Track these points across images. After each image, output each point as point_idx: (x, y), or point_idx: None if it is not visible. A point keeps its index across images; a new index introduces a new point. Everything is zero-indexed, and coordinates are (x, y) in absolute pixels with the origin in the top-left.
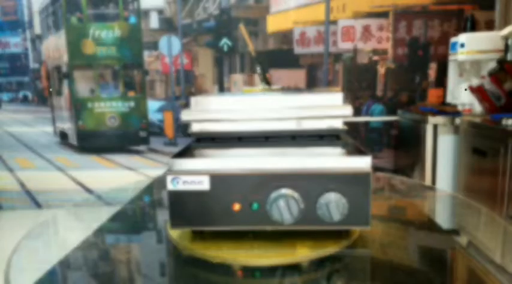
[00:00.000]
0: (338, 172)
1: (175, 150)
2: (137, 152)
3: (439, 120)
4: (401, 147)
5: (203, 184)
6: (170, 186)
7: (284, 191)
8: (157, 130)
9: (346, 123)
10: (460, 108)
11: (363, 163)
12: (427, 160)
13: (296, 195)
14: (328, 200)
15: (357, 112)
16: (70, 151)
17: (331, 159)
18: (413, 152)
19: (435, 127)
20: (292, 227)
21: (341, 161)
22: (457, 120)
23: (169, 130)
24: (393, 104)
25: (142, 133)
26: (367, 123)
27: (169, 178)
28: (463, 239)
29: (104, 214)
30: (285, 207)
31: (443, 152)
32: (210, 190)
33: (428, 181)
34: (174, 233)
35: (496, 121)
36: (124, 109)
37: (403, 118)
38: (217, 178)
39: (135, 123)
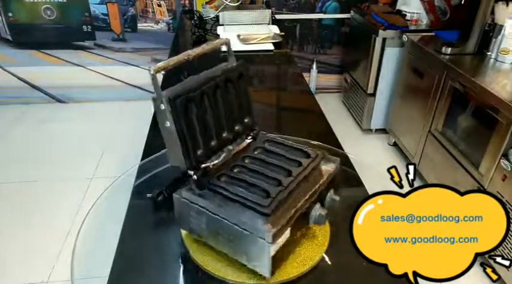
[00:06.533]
0: (334, 176)
1: (124, 45)
2: (83, 48)
3: (388, 33)
4: (350, 46)
5: (286, 234)
6: (273, 252)
7: (317, 206)
8: (102, 25)
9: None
10: (408, 17)
11: (337, 163)
12: (373, 70)
13: (319, 204)
14: (331, 195)
15: (312, 8)
16: (5, 46)
17: (329, 172)
18: (360, 55)
19: (384, 39)
20: None
21: (333, 169)
22: (404, 37)
23: (115, 24)
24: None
25: (86, 28)
26: (320, 20)
27: (272, 248)
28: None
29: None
30: (324, 214)
31: (388, 63)
32: (290, 235)
33: (371, 87)
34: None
35: (438, 38)
36: (60, 0)
37: (355, 20)
38: (292, 225)
39: (76, 16)
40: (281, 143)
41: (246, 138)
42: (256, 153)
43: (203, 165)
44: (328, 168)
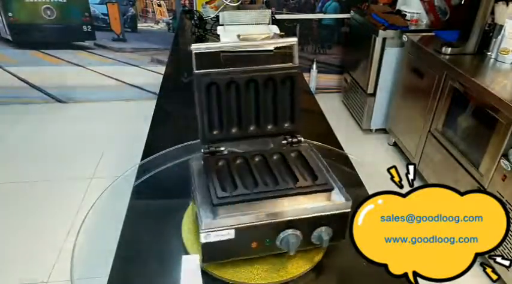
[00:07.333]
0: (328, 215)
1: (124, 45)
2: (83, 48)
3: (388, 33)
4: (350, 46)
5: (230, 235)
6: (203, 240)
7: (290, 231)
8: (102, 25)
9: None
10: (408, 17)
11: (346, 206)
12: (373, 70)
13: (298, 232)
14: (320, 232)
15: (312, 8)
16: (5, 46)
17: (323, 207)
18: (360, 55)
19: (384, 39)
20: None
21: (331, 207)
22: (404, 37)
23: (115, 24)
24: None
25: (86, 28)
26: (320, 20)
27: (202, 235)
28: None
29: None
30: (292, 242)
31: (388, 63)
32: (234, 237)
33: (371, 87)
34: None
35: (438, 38)
36: (60, 0)
37: (355, 20)
38: (240, 229)
39: (75, 16)
40: (304, 158)
41: (282, 141)
42: (274, 157)
43: (214, 145)
44: (335, 205)
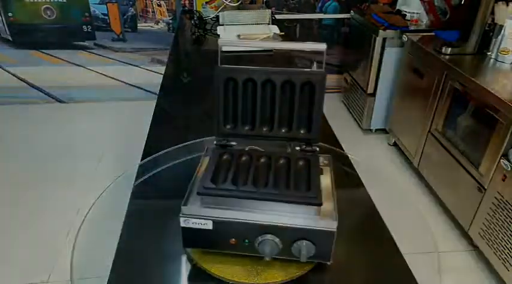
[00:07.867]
0: (310, 229)
1: (124, 45)
2: (83, 48)
3: (388, 33)
4: (350, 46)
5: (207, 225)
6: (182, 224)
7: (268, 236)
8: (102, 25)
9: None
10: (408, 17)
11: (330, 224)
12: (373, 70)
13: (277, 239)
14: (301, 246)
15: (312, 8)
16: (5, 46)
17: (305, 220)
18: (360, 55)
19: (384, 39)
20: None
21: (313, 222)
22: (404, 37)
23: (115, 24)
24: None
25: (86, 28)
26: (320, 20)
27: (181, 219)
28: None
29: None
30: (268, 248)
31: (388, 63)
32: (212, 229)
33: (371, 87)
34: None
35: (438, 38)
36: (60, 0)
37: (355, 20)
38: (218, 223)
39: (75, 16)
40: (308, 170)
41: (296, 147)
42: (280, 161)
43: (225, 139)
44: (317, 221)
